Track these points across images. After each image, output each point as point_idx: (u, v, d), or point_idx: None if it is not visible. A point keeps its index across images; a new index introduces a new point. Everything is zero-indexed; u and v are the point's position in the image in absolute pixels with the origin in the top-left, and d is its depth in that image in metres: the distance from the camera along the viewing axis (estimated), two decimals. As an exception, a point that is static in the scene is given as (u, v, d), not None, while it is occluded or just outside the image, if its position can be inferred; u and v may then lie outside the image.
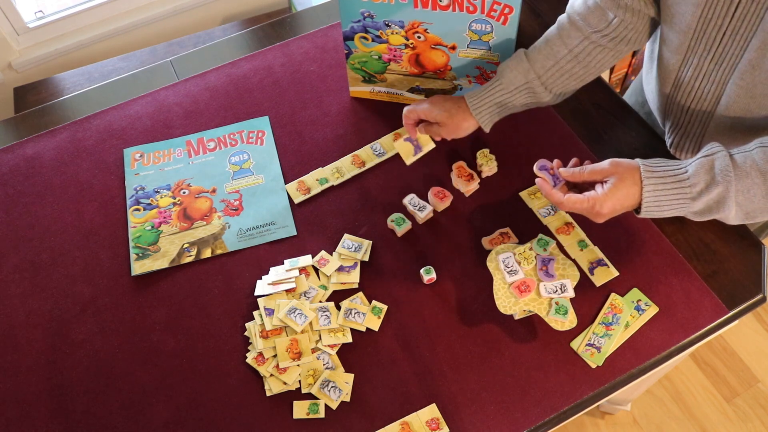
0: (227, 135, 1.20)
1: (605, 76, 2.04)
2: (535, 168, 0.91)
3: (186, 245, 1.07)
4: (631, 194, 0.84)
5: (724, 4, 0.84)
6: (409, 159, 1.08)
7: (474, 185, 1.12)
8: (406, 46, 1.12)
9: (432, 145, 1.08)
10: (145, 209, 1.11)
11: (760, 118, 0.92)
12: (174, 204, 1.11)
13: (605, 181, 0.85)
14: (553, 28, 1.03)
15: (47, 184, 1.17)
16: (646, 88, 1.16)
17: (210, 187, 1.14)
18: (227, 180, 1.15)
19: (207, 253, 1.06)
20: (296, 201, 1.12)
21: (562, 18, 1.02)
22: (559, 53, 1.00)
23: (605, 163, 0.86)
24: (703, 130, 1.02)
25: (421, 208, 1.09)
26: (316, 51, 1.32)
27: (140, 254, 1.06)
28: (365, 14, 1.07)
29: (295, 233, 1.09)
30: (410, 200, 1.10)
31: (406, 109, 1.06)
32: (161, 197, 1.12)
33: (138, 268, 1.05)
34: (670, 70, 1.00)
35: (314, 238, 1.08)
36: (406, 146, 1.08)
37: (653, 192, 0.83)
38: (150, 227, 1.09)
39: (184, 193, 1.13)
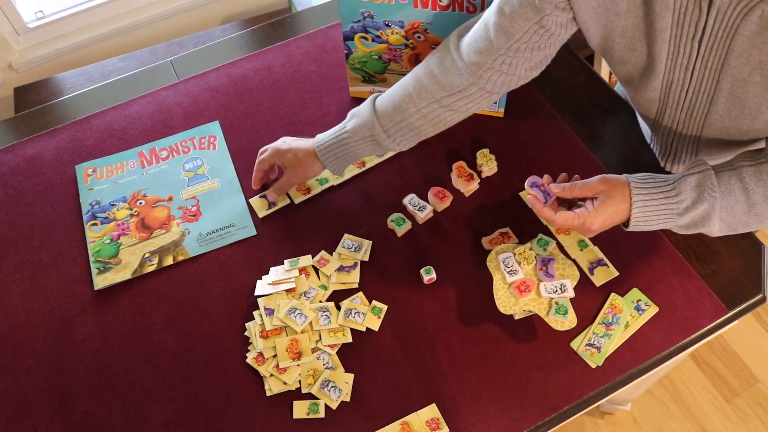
0: (179, 143, 1.20)
1: (605, 75, 2.01)
2: (526, 185, 0.92)
3: (147, 254, 1.07)
4: (620, 210, 0.86)
5: (681, 72, 0.86)
6: (262, 213, 1.11)
7: (474, 185, 1.12)
8: (406, 46, 1.12)
9: (286, 201, 1.12)
10: (102, 223, 1.10)
11: (745, 143, 0.95)
12: (131, 215, 1.11)
13: (595, 198, 0.87)
14: (410, 78, 0.99)
15: (47, 184, 1.17)
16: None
17: (166, 196, 1.14)
18: (183, 187, 1.15)
19: (169, 261, 1.06)
20: (296, 201, 1.12)
21: (424, 68, 0.98)
22: (408, 110, 0.98)
23: (595, 180, 0.88)
24: (692, 154, 1.04)
25: (421, 208, 1.09)
26: (316, 51, 1.32)
27: (101, 268, 1.06)
28: (365, 14, 1.07)
29: (255, 233, 1.09)
30: (410, 200, 1.10)
31: (258, 159, 1.10)
32: (118, 210, 1.12)
33: (100, 281, 1.04)
34: (647, 116, 1.02)
35: (314, 238, 1.08)
36: (261, 202, 1.12)
37: (642, 208, 0.85)
38: (109, 240, 1.09)
39: (140, 203, 1.13)
